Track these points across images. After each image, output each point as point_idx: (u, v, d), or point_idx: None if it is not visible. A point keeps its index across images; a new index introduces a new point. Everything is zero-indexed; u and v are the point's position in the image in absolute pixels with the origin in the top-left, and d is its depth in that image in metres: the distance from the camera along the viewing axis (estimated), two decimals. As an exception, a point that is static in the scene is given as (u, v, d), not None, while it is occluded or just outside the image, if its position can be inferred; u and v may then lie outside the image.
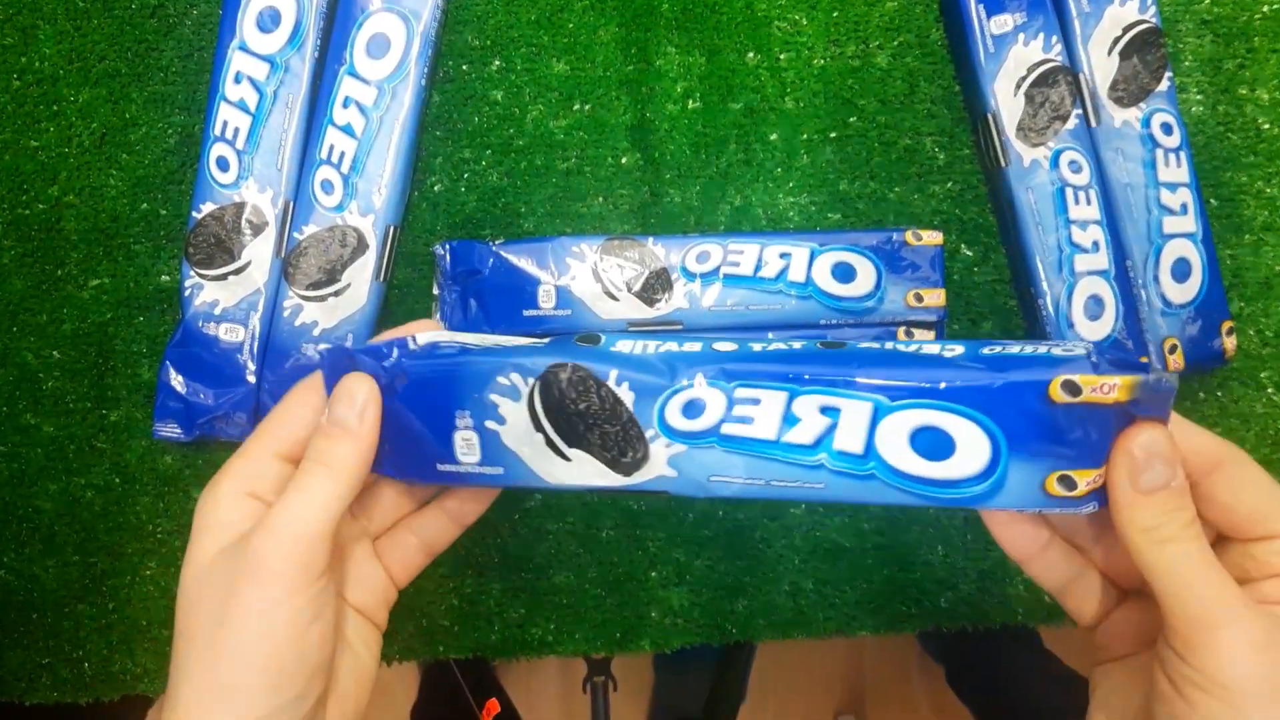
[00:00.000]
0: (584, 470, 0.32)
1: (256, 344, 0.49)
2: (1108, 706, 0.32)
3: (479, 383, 0.32)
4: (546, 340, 0.33)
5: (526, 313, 0.49)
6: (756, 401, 0.30)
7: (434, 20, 0.48)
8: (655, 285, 0.49)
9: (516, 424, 0.32)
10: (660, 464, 0.31)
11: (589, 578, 0.51)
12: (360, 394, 0.32)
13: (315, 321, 0.49)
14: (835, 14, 0.50)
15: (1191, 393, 0.51)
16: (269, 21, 0.48)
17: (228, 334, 0.49)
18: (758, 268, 0.49)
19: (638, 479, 0.31)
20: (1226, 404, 0.51)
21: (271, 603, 0.29)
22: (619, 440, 0.31)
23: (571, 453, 0.32)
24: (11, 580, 0.51)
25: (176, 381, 0.49)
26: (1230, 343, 0.49)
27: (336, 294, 0.49)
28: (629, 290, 0.49)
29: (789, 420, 0.30)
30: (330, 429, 0.32)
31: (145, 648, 0.51)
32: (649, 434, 0.31)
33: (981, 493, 0.29)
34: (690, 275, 0.49)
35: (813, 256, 0.49)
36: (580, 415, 0.31)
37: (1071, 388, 0.27)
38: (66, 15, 0.50)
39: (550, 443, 0.32)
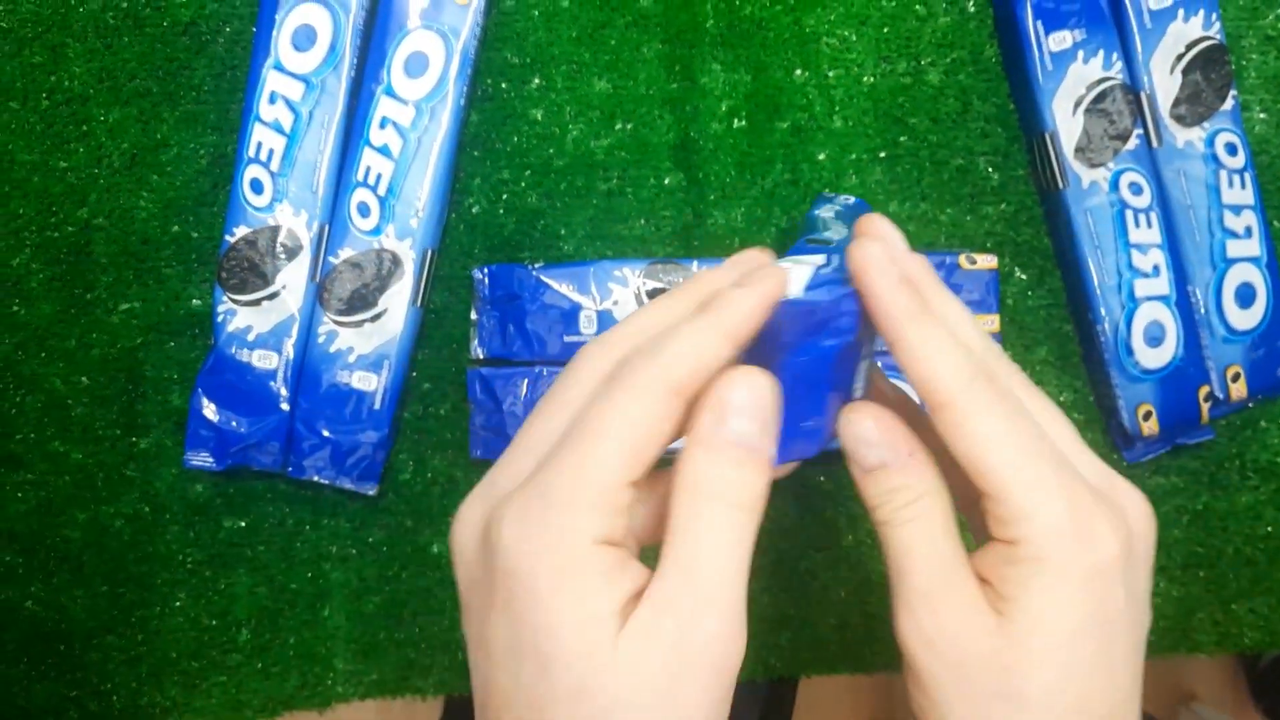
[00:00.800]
0: None
1: (290, 371, 0.47)
2: None
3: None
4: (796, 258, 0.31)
5: (567, 338, 0.47)
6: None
7: (473, 38, 0.47)
8: (700, 310, 0.47)
9: None
10: None
11: (630, 610, 0.49)
12: (768, 399, 0.25)
13: (351, 348, 0.47)
14: (886, 30, 0.48)
15: (1253, 421, 0.50)
16: (305, 40, 0.46)
17: (261, 361, 0.47)
18: (805, 292, 0.47)
19: None
20: (1291, 433, 0.49)
21: (723, 702, 0.24)
22: None
23: None
24: (39, 611, 0.50)
25: (209, 410, 0.47)
26: (1296, 370, 0.48)
27: (372, 320, 0.47)
28: (673, 315, 0.47)
29: None
30: (732, 450, 0.24)
31: (174, 680, 0.50)
32: None
33: None
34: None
35: (863, 281, 0.47)
36: None
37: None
38: (96, 33, 0.49)
39: None
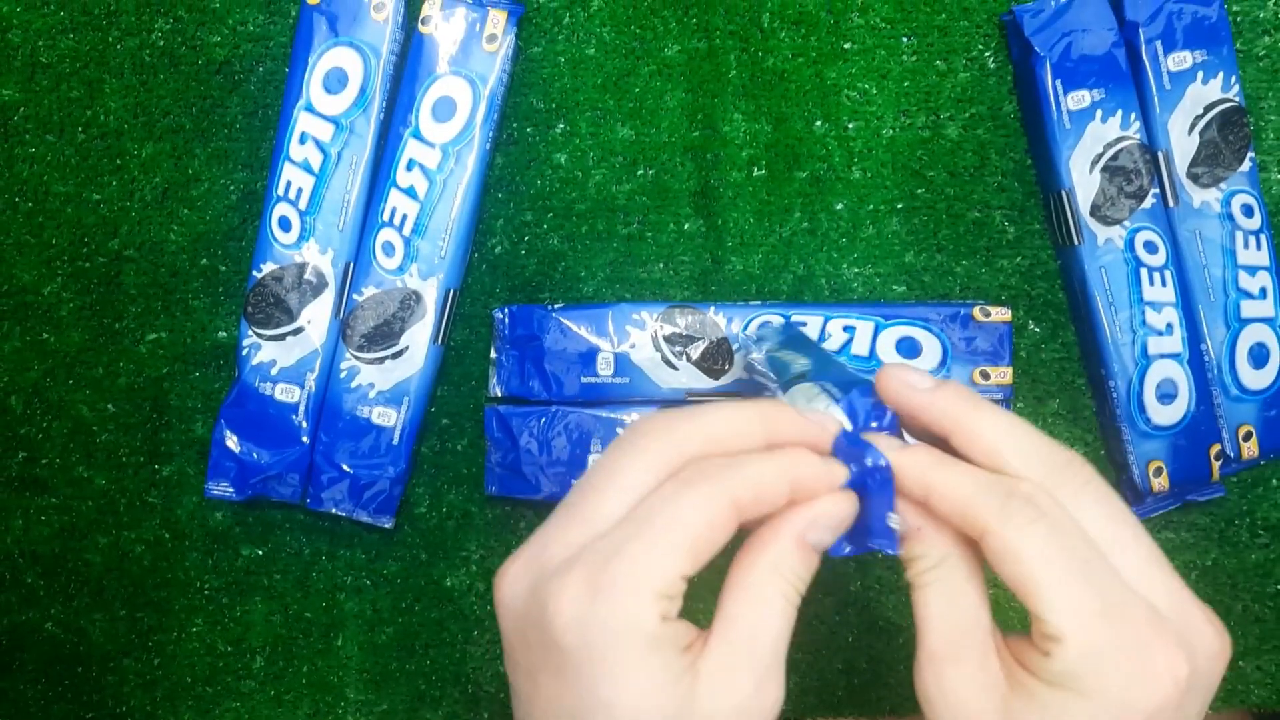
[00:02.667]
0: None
1: (311, 405, 0.48)
2: None
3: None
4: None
5: (585, 379, 0.48)
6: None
7: (500, 84, 0.48)
8: (716, 355, 0.48)
9: None
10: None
11: (639, 650, 0.50)
12: (849, 521, 0.29)
13: (371, 383, 0.48)
14: (906, 84, 0.49)
15: (1264, 479, 0.50)
16: (335, 83, 0.47)
17: (283, 394, 0.48)
18: (820, 340, 0.48)
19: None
20: (1302, 492, 0.49)
21: None
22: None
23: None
24: (59, 634, 0.51)
25: (231, 440, 0.48)
26: (1308, 431, 0.48)
27: (394, 356, 0.48)
28: (689, 360, 0.48)
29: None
30: (812, 553, 0.28)
31: (189, 705, 0.51)
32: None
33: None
34: (748, 340, 0.48)
35: (877, 330, 0.48)
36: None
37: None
38: (133, 69, 0.50)
39: None
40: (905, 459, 0.29)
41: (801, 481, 0.28)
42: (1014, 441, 0.29)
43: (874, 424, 0.31)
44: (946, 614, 0.28)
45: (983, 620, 0.28)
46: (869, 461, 0.29)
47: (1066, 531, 0.26)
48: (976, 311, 0.48)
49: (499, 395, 0.49)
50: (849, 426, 0.31)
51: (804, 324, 0.47)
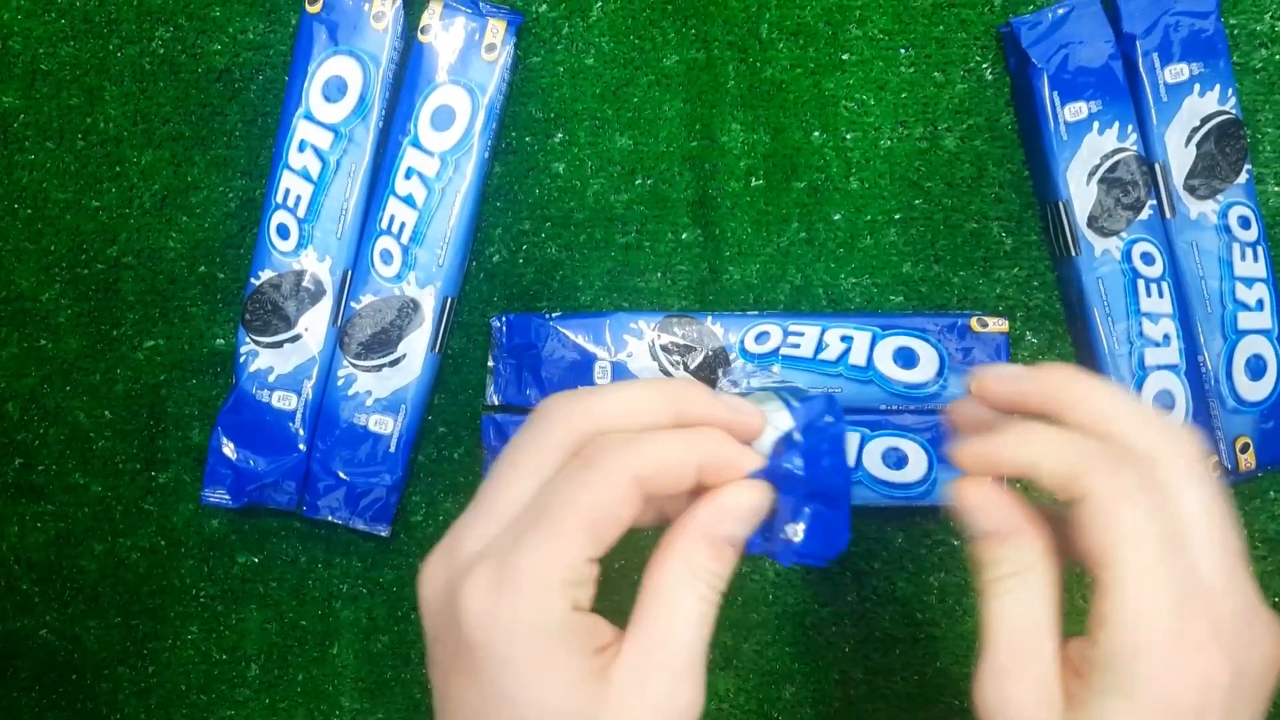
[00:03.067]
0: None
1: (309, 412, 0.48)
2: None
3: None
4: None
5: (583, 388, 0.48)
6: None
7: (499, 93, 0.48)
8: (713, 365, 0.48)
9: None
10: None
11: (635, 659, 0.50)
12: (761, 511, 0.28)
13: (369, 391, 0.48)
14: (904, 95, 0.49)
15: (1261, 491, 0.50)
16: (335, 91, 0.47)
17: (280, 401, 0.48)
18: (818, 350, 0.48)
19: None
20: (1299, 505, 0.49)
21: None
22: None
23: None
24: (53, 640, 0.50)
25: (228, 448, 0.48)
26: (1306, 443, 0.48)
27: (391, 364, 0.48)
28: (686, 369, 0.48)
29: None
30: (723, 547, 0.27)
31: (183, 713, 0.50)
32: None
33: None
34: (749, 356, 0.48)
35: (875, 341, 0.48)
36: None
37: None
38: (133, 77, 0.50)
39: None
40: (1018, 429, 0.27)
41: (710, 462, 0.27)
42: (1125, 411, 0.27)
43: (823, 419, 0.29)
44: (1018, 626, 0.27)
45: (1053, 634, 0.27)
46: (791, 465, 0.28)
47: (1166, 514, 0.25)
48: (974, 322, 0.48)
49: (496, 404, 0.49)
50: (790, 425, 0.29)
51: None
